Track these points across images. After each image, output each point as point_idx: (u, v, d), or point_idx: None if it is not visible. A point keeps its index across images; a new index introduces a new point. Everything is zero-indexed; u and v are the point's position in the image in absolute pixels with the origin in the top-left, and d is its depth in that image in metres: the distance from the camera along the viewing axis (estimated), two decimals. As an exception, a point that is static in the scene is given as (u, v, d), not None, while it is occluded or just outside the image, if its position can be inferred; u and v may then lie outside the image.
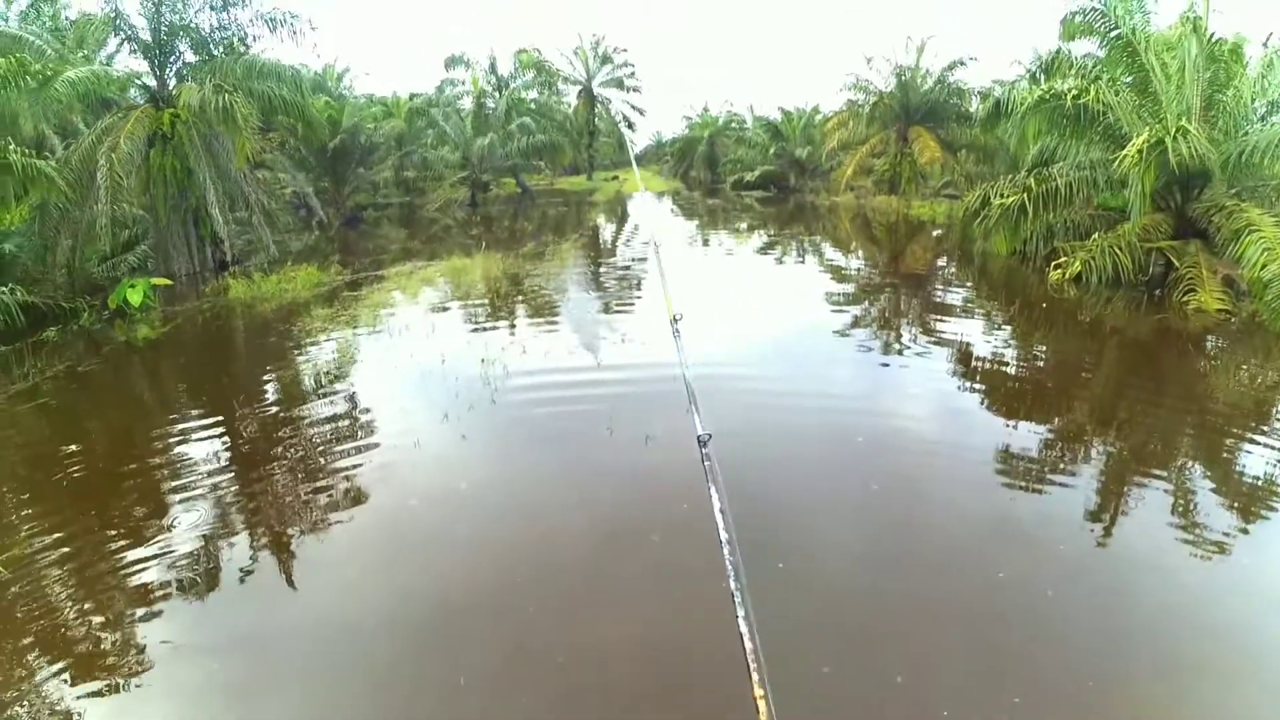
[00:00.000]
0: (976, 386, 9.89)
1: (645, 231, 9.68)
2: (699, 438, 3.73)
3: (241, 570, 5.75)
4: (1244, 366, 10.31)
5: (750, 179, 46.01)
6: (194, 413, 9.43)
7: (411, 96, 42.18)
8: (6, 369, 10.61)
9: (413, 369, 10.43)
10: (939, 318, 13.70)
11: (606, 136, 58.86)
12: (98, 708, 4.38)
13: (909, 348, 11.74)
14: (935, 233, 24.91)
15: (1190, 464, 7.39)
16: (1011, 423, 8.44)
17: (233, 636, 5.06)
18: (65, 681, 4.58)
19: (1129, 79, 14.60)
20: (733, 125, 55.43)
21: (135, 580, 5.61)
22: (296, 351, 11.74)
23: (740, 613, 3.62)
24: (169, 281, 15.82)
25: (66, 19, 19.13)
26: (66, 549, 6.06)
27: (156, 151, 16.60)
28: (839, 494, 6.80)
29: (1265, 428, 8.07)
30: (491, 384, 9.58)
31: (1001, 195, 15.31)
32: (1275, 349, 10.73)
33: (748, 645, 3.63)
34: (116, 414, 9.78)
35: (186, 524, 6.39)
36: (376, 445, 7.95)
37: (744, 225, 31.39)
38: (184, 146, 16.54)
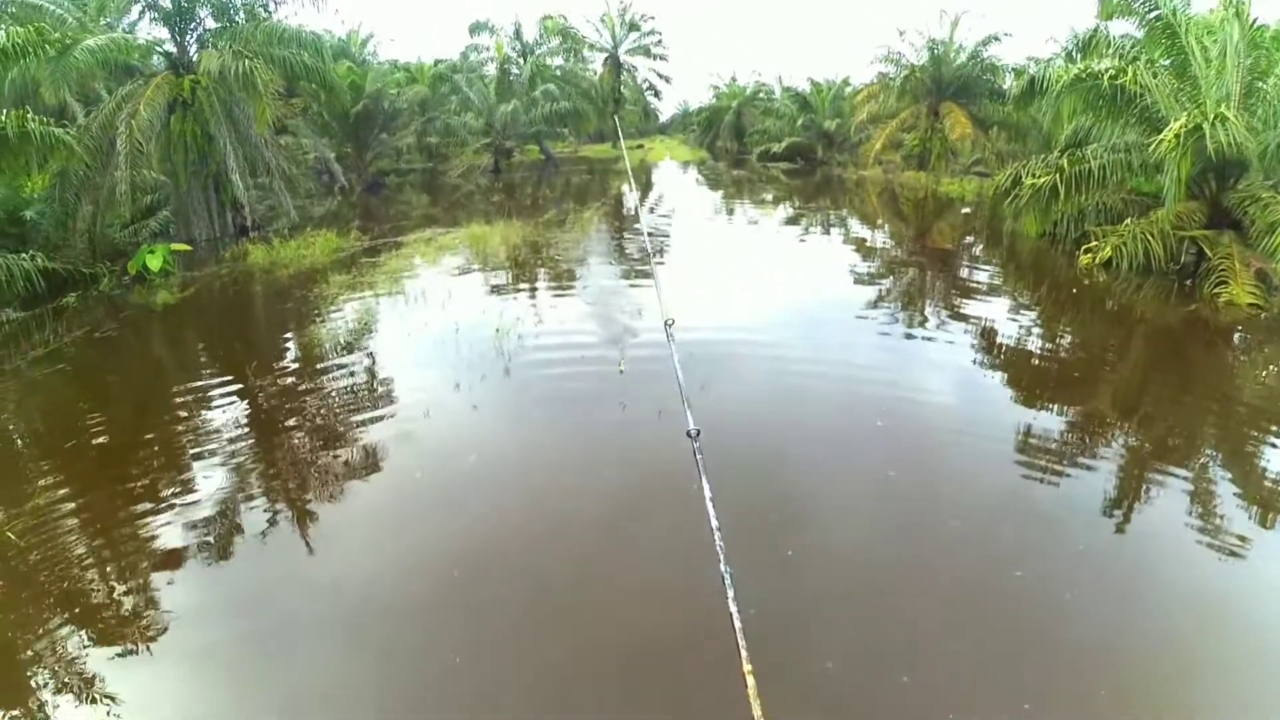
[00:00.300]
0: (999, 369, 9.76)
1: (642, 233, 9.37)
2: (688, 432, 3.85)
3: (254, 533, 5.85)
4: (1273, 363, 10.03)
5: (777, 150, 45.28)
6: (208, 378, 9.55)
7: (436, 62, 41.94)
8: (27, 334, 10.75)
9: (427, 337, 10.50)
10: (964, 297, 13.48)
11: (632, 105, 58.17)
12: (115, 666, 4.49)
13: (932, 326, 11.60)
14: (964, 211, 24.45)
15: (1215, 462, 7.21)
16: (1034, 409, 8.29)
17: (247, 596, 5.19)
18: (83, 640, 4.72)
19: (1167, 62, 14.11)
20: (761, 95, 54.50)
21: (151, 541, 5.76)
22: (312, 318, 11.78)
23: (730, 593, 3.66)
24: (188, 247, 15.87)
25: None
26: (83, 511, 6.23)
27: (177, 118, 16.58)
28: (854, 480, 6.73)
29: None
30: (505, 354, 9.60)
31: (1033, 175, 14.91)
32: (1306, 346, 10.44)
33: (736, 624, 3.67)
34: (132, 378, 9.91)
35: (200, 487, 6.54)
36: (387, 415, 8.02)
37: (769, 197, 31.01)
38: (204, 113, 16.50)
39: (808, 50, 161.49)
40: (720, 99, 60.60)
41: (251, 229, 18.61)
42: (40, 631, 4.78)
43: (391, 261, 15.77)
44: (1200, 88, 13.24)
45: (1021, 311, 12.53)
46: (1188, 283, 13.07)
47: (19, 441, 7.80)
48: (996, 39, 29.89)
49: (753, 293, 13.45)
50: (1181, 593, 5.19)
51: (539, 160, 44.75)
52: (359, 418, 8.00)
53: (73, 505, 6.31)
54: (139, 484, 6.71)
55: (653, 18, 53.83)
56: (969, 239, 20.53)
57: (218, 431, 7.64)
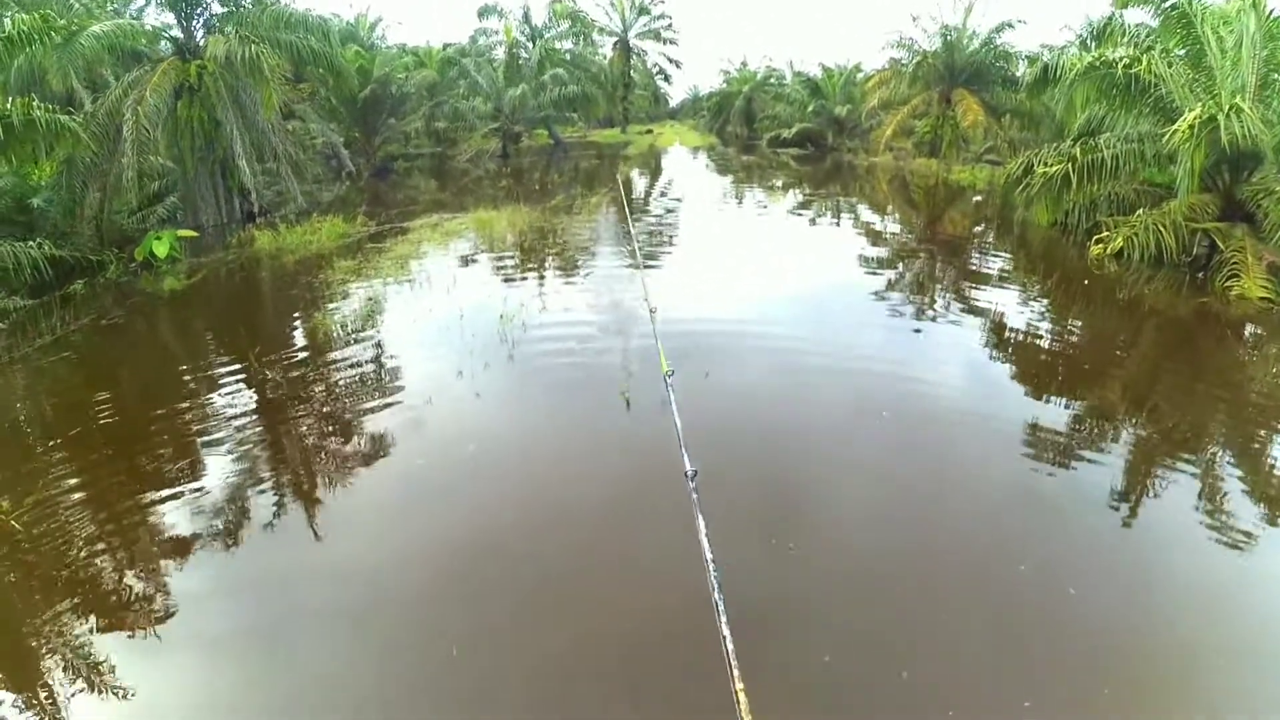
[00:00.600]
0: (1007, 359, 9.70)
1: (637, 284, 9.46)
2: (686, 474, 3.78)
3: (257, 520, 5.90)
4: (1285, 359, 9.93)
5: (787, 136, 45.02)
6: (214, 365, 9.60)
7: (444, 46, 41.79)
8: (35, 322, 10.76)
9: (431, 324, 10.53)
10: (974, 286, 13.40)
11: (642, 89, 57.93)
12: (121, 649, 4.56)
13: (941, 314, 11.56)
14: (975, 199, 24.26)
15: (1224, 456, 7.13)
16: (1042, 400, 8.26)
17: (250, 584, 5.24)
18: (89, 627, 4.76)
19: (1182, 51, 13.93)
20: (771, 81, 54.16)
21: (155, 527, 5.83)
22: (318, 304, 11.78)
23: (723, 619, 3.68)
24: (195, 233, 15.87)
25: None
26: (89, 498, 6.28)
27: (184, 103, 16.54)
28: (857, 471, 6.69)
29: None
30: (509, 341, 9.60)
31: (1045, 164, 14.78)
32: (1319, 341, 10.32)
33: (729, 646, 3.70)
34: (139, 365, 9.98)
35: (205, 475, 6.57)
36: (390, 402, 8.05)
37: (779, 183, 30.83)
38: (211, 98, 16.45)
39: (819, 35, 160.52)
40: (731, 84, 60.31)
41: (259, 214, 18.60)
42: (47, 619, 4.82)
43: (398, 247, 15.74)
44: (1215, 78, 13.06)
45: (1031, 301, 12.43)
46: (1199, 275, 12.94)
47: (27, 429, 7.84)
48: (1010, 25, 29.58)
49: (760, 279, 13.42)
50: (1188, 588, 5.15)
51: (547, 145, 44.60)
52: (362, 404, 8.04)
53: (79, 493, 6.35)
54: (144, 471, 6.75)
55: (663, 1, 53.52)
56: (980, 227, 20.38)
57: (223, 418, 7.67)
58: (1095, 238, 14.48)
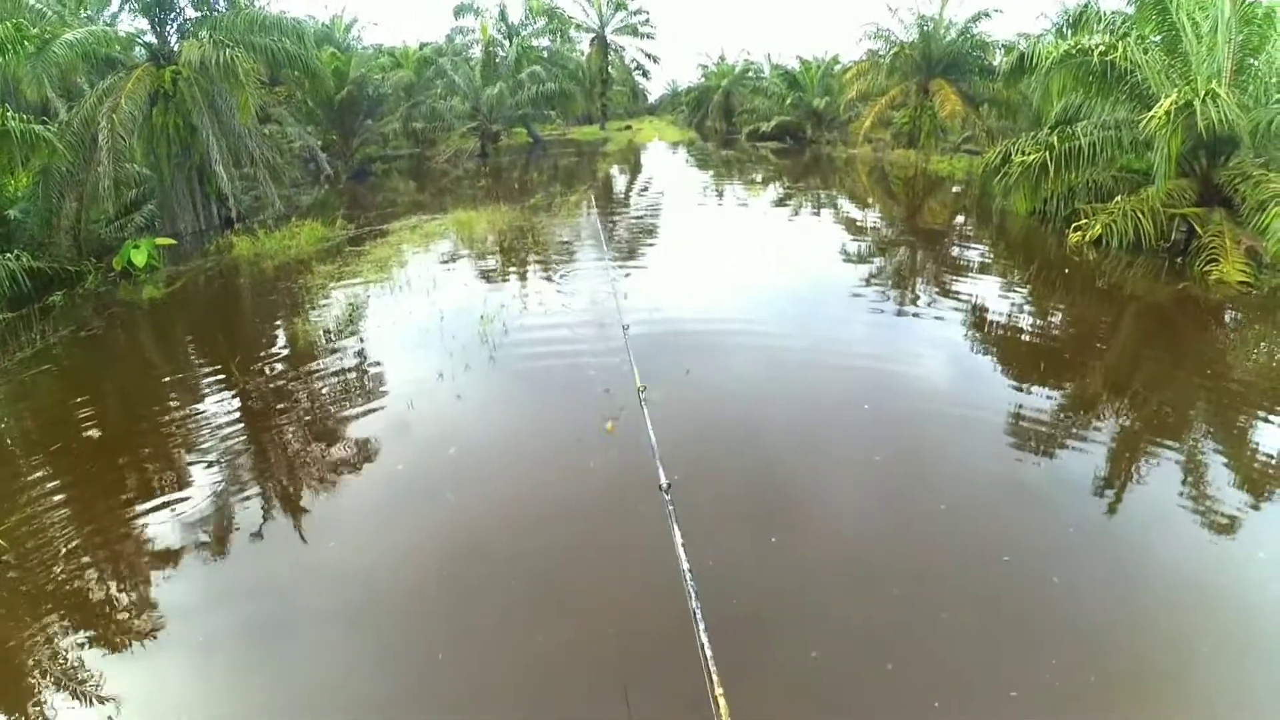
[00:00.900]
0: (988, 348, 9.77)
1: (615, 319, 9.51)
2: (660, 486, 3.88)
3: (240, 528, 5.88)
4: (1263, 341, 10.05)
5: (766, 129, 45.06)
6: (193, 374, 9.55)
7: (421, 46, 41.56)
8: (14, 335, 10.65)
9: (412, 326, 10.50)
10: (954, 276, 13.50)
11: (620, 85, 57.82)
12: (108, 659, 4.57)
13: (922, 305, 11.64)
14: (954, 189, 24.40)
15: (1206, 441, 7.22)
16: (1024, 388, 8.30)
17: (233, 592, 5.23)
18: (75, 639, 4.76)
19: (1158, 38, 14.04)
20: (750, 74, 54.09)
21: (141, 537, 5.81)
22: (297, 310, 11.71)
23: (701, 626, 3.70)
24: (173, 241, 15.71)
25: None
26: (72, 510, 6.24)
27: (159, 110, 16.35)
28: (840, 464, 6.74)
29: (1281, 406, 7.84)
30: (490, 342, 9.56)
31: (1023, 152, 14.89)
32: (1296, 323, 10.45)
33: (708, 652, 3.74)
34: (118, 376, 9.89)
35: (187, 485, 6.53)
36: (371, 407, 8.05)
37: (759, 177, 30.87)
38: (186, 104, 16.28)
39: (796, 27, 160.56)
40: (709, 78, 60.33)
41: (237, 220, 18.42)
42: (32, 633, 4.78)
43: (377, 250, 15.65)
44: (1191, 64, 13.19)
45: (1011, 290, 12.52)
46: (1178, 260, 13.07)
47: (8, 442, 7.75)
48: (986, 15, 29.66)
49: (740, 274, 13.45)
50: (1172, 575, 5.20)
51: (526, 143, 44.44)
52: (344, 409, 8.02)
53: (63, 505, 6.29)
54: (128, 482, 6.73)
55: (640, -5, 53.33)
56: (959, 217, 20.49)
57: (204, 428, 7.62)
58: (1074, 225, 14.59)
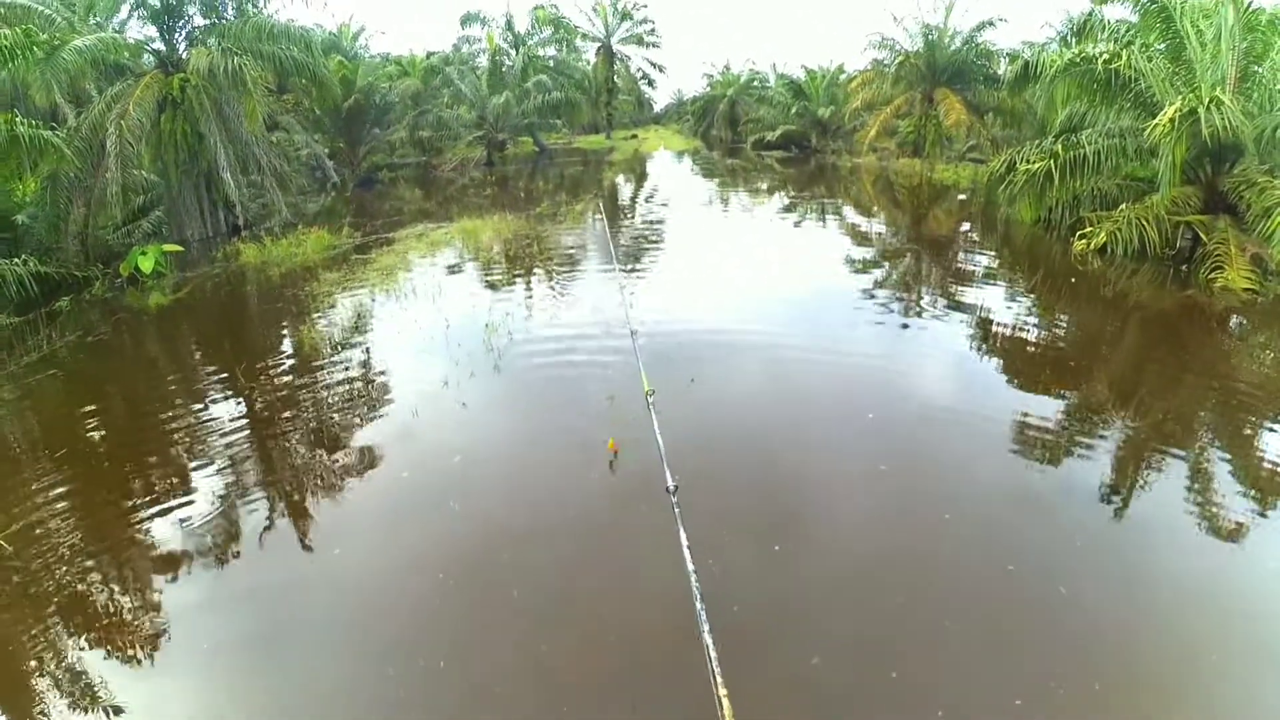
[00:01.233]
0: (994, 356, 9.74)
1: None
2: (667, 488, 3.88)
3: (245, 534, 5.90)
4: (1269, 348, 10.02)
5: (771, 139, 45.13)
6: (199, 381, 9.57)
7: (428, 55, 41.71)
8: (21, 339, 10.70)
9: (417, 334, 10.51)
10: (959, 284, 13.47)
11: (626, 94, 57.97)
12: (111, 665, 4.57)
13: (927, 313, 11.61)
14: (959, 198, 24.36)
15: (1212, 449, 7.18)
16: (1030, 397, 8.26)
17: (236, 600, 5.21)
18: (80, 640, 4.78)
19: (1162, 46, 14.08)
20: (755, 84, 54.31)
21: (146, 542, 5.83)
22: (303, 318, 11.73)
23: (705, 627, 3.70)
24: (180, 248, 15.76)
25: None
26: (76, 516, 6.25)
27: (167, 117, 16.47)
28: (844, 472, 6.69)
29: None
30: (495, 351, 9.57)
31: (1027, 161, 14.92)
32: (1303, 330, 10.42)
33: (712, 654, 3.73)
34: (124, 382, 9.91)
35: (191, 492, 6.52)
36: (377, 414, 8.06)
37: (764, 186, 30.89)
38: (194, 111, 16.39)
39: (802, 36, 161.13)
40: (714, 88, 60.49)
41: (244, 227, 18.52)
42: (36, 637, 4.80)
43: (383, 258, 15.70)
44: (1195, 72, 13.22)
45: (1017, 298, 12.51)
46: (1183, 268, 13.05)
47: (14, 446, 7.78)
48: (991, 24, 29.78)
49: (745, 281, 13.47)
50: (1178, 584, 5.16)
51: (532, 152, 44.55)
52: (348, 417, 8.03)
53: (68, 510, 6.31)
54: (133, 487, 6.73)
55: (645, 5, 53.66)
56: (964, 226, 20.48)
57: (210, 434, 7.63)
58: (1079, 233, 14.58)
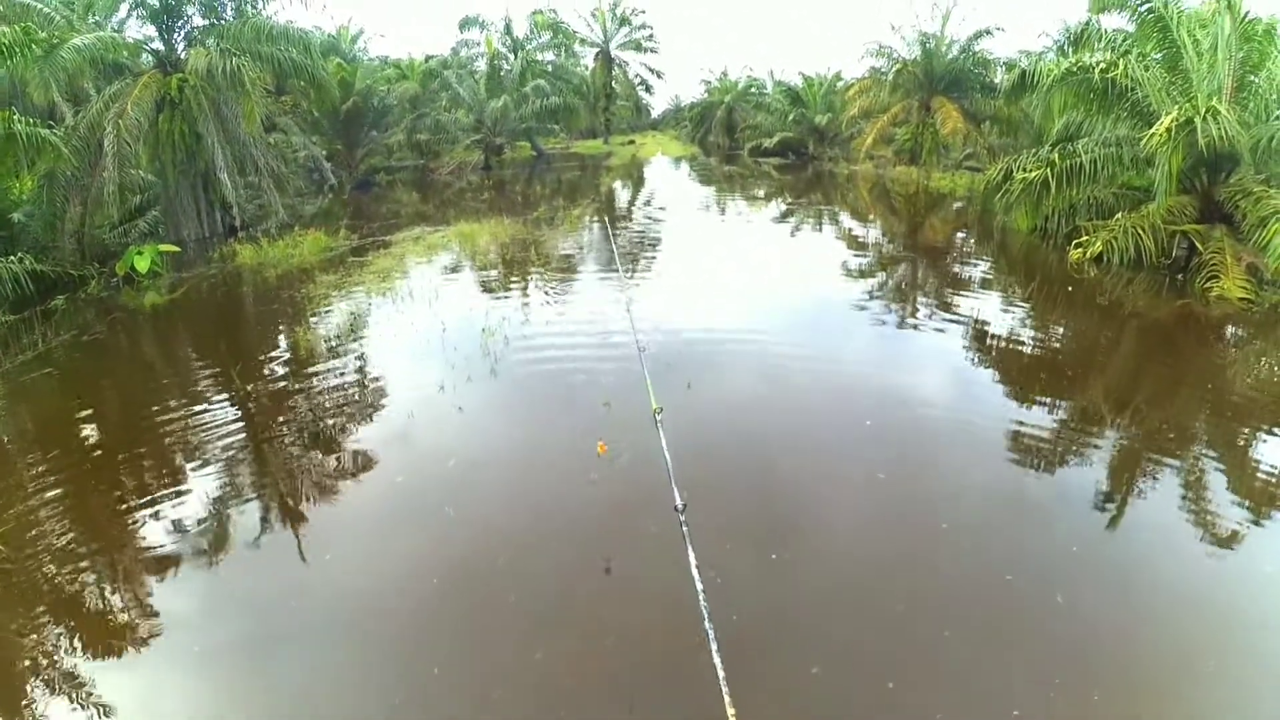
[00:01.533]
0: (990, 364, 9.77)
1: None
2: (675, 507, 3.86)
3: (238, 537, 5.85)
4: (1264, 358, 10.05)
5: (768, 145, 45.26)
6: (194, 382, 9.54)
7: (426, 59, 41.72)
8: (16, 337, 10.66)
9: (414, 338, 10.47)
10: (955, 292, 13.51)
11: (624, 100, 58.07)
12: (102, 666, 4.54)
13: (923, 321, 11.62)
14: (955, 205, 24.46)
15: (1208, 458, 7.16)
16: (1026, 406, 8.25)
17: (231, 599, 5.19)
18: (71, 640, 4.75)
19: (1159, 55, 14.13)
20: (752, 90, 54.39)
21: (138, 543, 5.80)
22: (299, 320, 11.71)
23: (714, 646, 3.67)
24: (176, 248, 15.73)
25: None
26: (72, 514, 6.23)
27: (165, 117, 16.44)
28: (842, 480, 6.67)
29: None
30: (491, 354, 9.54)
31: (1024, 169, 14.94)
32: (1298, 340, 10.46)
33: (720, 673, 3.70)
34: (118, 382, 9.88)
35: (186, 491, 6.49)
36: (371, 418, 8.03)
37: (761, 192, 30.98)
38: (192, 111, 16.37)
39: (797, 38, 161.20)
40: (712, 94, 60.64)
41: (241, 229, 18.48)
42: (28, 635, 4.77)
43: (380, 261, 15.68)
44: (1192, 81, 13.26)
45: (1012, 306, 12.54)
46: (1179, 277, 13.09)
47: (8, 444, 7.75)
48: (988, 33, 29.86)
49: (743, 288, 13.44)
50: (1176, 593, 5.16)
51: (530, 157, 44.57)
52: (344, 420, 8.00)
53: (61, 510, 6.27)
54: (126, 488, 6.69)
55: (643, 11, 53.80)
56: (960, 234, 20.54)
57: (204, 435, 7.58)
58: (1075, 242, 14.60)
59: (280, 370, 9.74)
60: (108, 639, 4.75)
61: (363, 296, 12.83)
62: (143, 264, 13.73)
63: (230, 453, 7.21)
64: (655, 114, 78.04)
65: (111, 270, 13.87)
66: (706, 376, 8.87)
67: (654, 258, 16.81)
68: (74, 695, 4.30)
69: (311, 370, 9.53)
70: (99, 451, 7.49)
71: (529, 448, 7.34)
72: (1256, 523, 5.89)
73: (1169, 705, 4.24)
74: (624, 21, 53.06)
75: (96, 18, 16.87)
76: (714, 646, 3.69)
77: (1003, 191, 15.57)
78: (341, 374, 9.35)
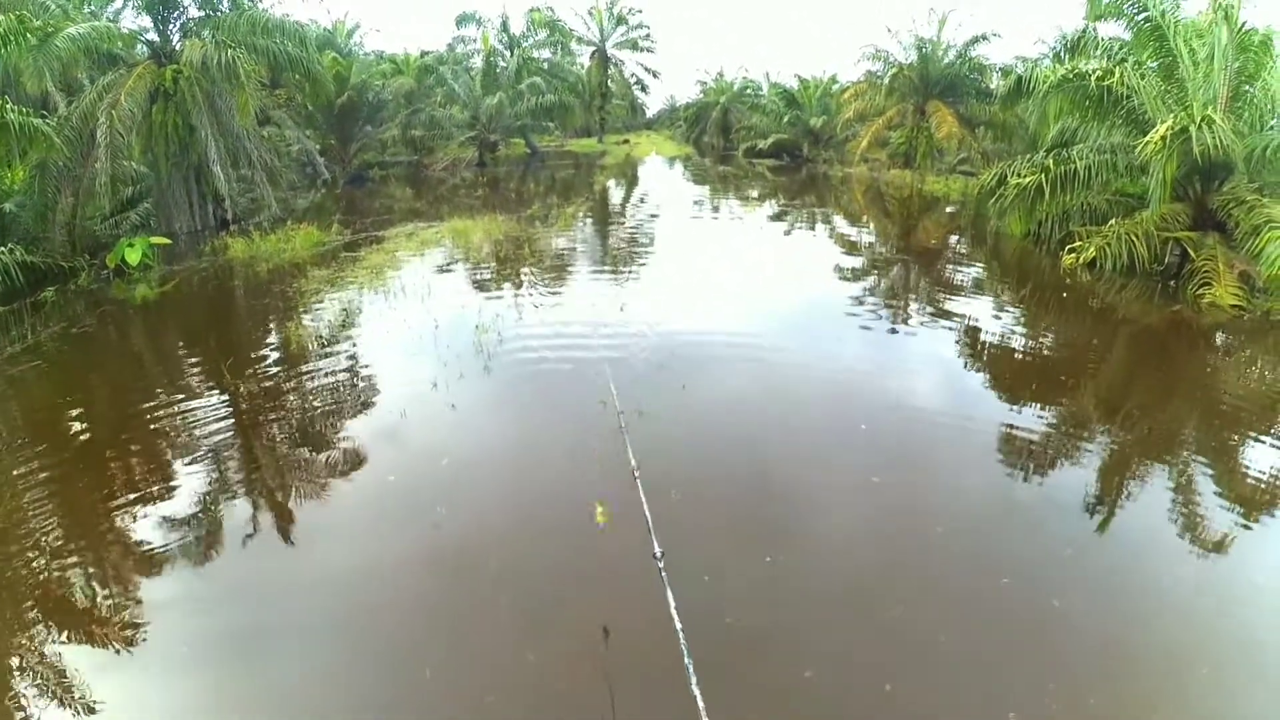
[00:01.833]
0: (983, 369, 9.77)
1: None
2: (654, 555, 3.94)
3: (227, 534, 5.81)
4: (1255, 365, 10.10)
5: (763, 147, 45.27)
6: (184, 376, 9.47)
7: (422, 54, 41.62)
8: (4, 329, 10.57)
9: (406, 334, 10.41)
10: (949, 296, 13.52)
11: (619, 99, 58.04)
12: (91, 661, 4.51)
13: (916, 325, 11.61)
14: (949, 210, 24.52)
15: (1200, 464, 7.19)
16: (1018, 411, 8.26)
17: (219, 597, 5.15)
18: (58, 635, 4.72)
19: (1155, 64, 14.18)
20: (748, 92, 54.43)
21: (126, 538, 5.75)
22: (291, 314, 11.66)
23: (693, 679, 3.66)
24: (167, 241, 15.64)
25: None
26: (59, 507, 6.18)
27: (159, 108, 16.35)
28: (836, 484, 6.66)
29: (1274, 428, 7.84)
30: (485, 352, 9.51)
31: (1018, 175, 14.98)
32: (1289, 348, 10.52)
33: (700, 704, 3.66)
34: (109, 374, 9.81)
35: (174, 487, 6.46)
36: (363, 415, 8.00)
37: (754, 193, 30.99)
38: (186, 103, 16.28)
39: (796, 40, 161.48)
40: (708, 95, 60.68)
41: (233, 222, 18.40)
42: (15, 631, 4.72)
43: (373, 256, 15.62)
44: (1187, 90, 13.32)
45: (1005, 311, 12.57)
46: (1171, 284, 13.14)
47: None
48: (984, 39, 29.93)
49: (736, 290, 13.44)
50: (1171, 597, 5.18)
51: (524, 154, 44.47)
52: (335, 417, 7.96)
53: (48, 503, 6.21)
54: (114, 482, 6.64)
55: (640, 11, 53.63)
56: (954, 238, 20.58)
57: (193, 430, 7.52)
58: (1068, 247, 14.66)
59: (271, 366, 9.67)
60: (92, 630, 4.72)
61: (355, 292, 12.77)
62: (134, 256, 13.64)
63: (220, 449, 7.15)
64: (650, 114, 77.92)
65: (102, 262, 13.77)
66: (699, 377, 8.85)
67: (647, 257, 16.78)
68: (61, 691, 4.25)
69: (303, 366, 9.47)
70: (87, 444, 7.43)
71: (520, 446, 7.32)
72: (1248, 527, 5.92)
73: (1164, 708, 4.25)
74: (621, 20, 53.02)
75: (92, 7, 16.80)
76: (693, 679, 3.65)
77: (997, 196, 15.62)
78: (333, 370, 9.29)
